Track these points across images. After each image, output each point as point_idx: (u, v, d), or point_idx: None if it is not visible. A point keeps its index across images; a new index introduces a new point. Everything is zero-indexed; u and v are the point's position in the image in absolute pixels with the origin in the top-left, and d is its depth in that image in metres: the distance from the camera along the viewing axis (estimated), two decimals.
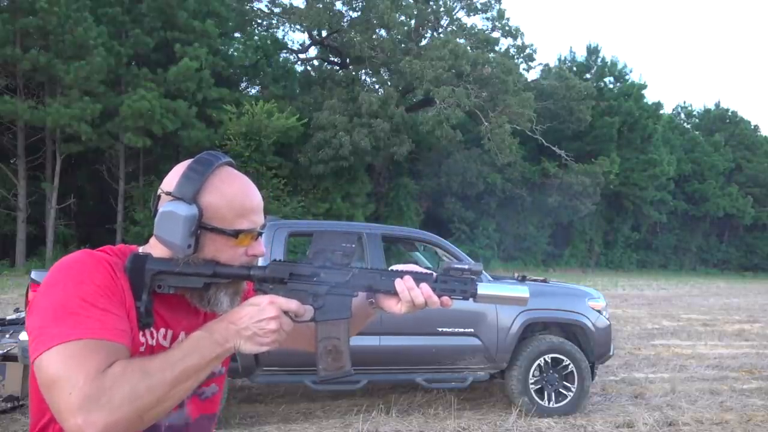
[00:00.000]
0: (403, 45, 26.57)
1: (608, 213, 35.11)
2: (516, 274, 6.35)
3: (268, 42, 27.20)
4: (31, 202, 20.48)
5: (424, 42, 27.75)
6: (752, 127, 43.11)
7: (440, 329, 5.12)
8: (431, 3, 28.22)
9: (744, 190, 38.97)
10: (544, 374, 5.31)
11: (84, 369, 0.94)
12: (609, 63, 35.33)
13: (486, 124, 25.09)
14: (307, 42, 29.98)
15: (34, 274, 4.46)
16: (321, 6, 26.57)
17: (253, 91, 27.50)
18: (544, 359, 5.30)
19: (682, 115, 44.66)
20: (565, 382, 5.32)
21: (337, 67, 29.68)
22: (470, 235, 30.33)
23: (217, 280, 1.13)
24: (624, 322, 11.78)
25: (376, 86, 28.14)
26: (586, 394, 5.41)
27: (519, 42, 28.87)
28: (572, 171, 29.35)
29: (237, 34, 26.72)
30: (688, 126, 43.75)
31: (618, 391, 6.29)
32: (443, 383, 5.31)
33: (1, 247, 20.99)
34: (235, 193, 1.14)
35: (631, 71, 41.35)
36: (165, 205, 1.09)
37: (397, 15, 25.90)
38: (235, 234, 1.13)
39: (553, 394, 5.30)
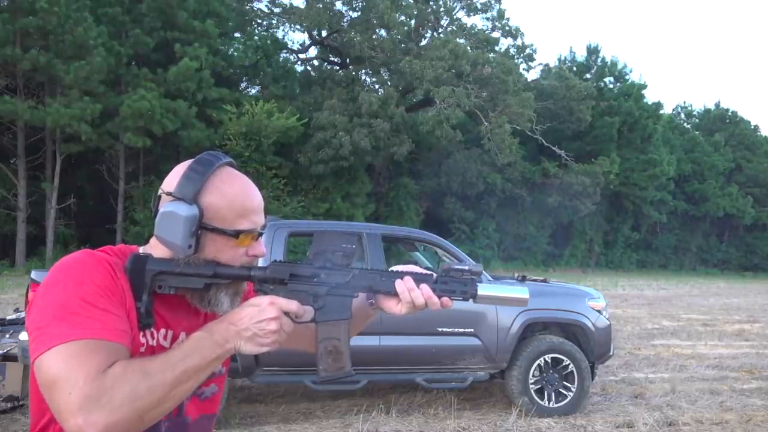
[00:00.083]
0: (403, 45, 26.57)
1: (608, 213, 35.11)
2: (516, 274, 6.35)
3: (268, 42, 27.21)
4: (31, 202, 20.48)
5: (424, 42, 27.76)
6: (752, 127, 43.12)
7: (440, 329, 5.12)
8: (431, 3, 28.22)
9: (744, 190, 38.98)
10: (544, 374, 5.31)
11: (84, 369, 0.94)
12: (609, 63, 35.34)
13: (486, 124, 25.09)
14: (307, 42, 30.01)
15: (34, 274, 4.46)
16: (321, 6, 26.57)
17: (253, 91, 27.52)
18: (544, 359, 5.30)
19: (682, 115, 44.68)
20: (565, 382, 5.32)
21: (337, 67, 29.69)
22: (470, 235, 30.34)
23: (218, 280, 1.13)
24: (624, 322, 11.78)
25: (376, 86, 28.15)
26: (586, 394, 5.41)
27: (519, 42, 28.90)
28: (572, 171, 29.35)
29: (237, 34, 26.73)
30: (688, 126, 43.76)
31: (618, 391, 6.29)
32: (443, 383, 5.31)
33: (1, 247, 21.00)
34: (235, 193, 1.14)
35: (631, 71, 41.43)
36: (166, 206, 1.09)
37: (397, 15, 25.90)
38: (236, 234, 1.13)
39: (553, 394, 5.30)
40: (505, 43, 28.84)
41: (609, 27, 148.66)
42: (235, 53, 25.10)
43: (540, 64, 31.20)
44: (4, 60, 18.49)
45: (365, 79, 28.62)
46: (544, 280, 6.23)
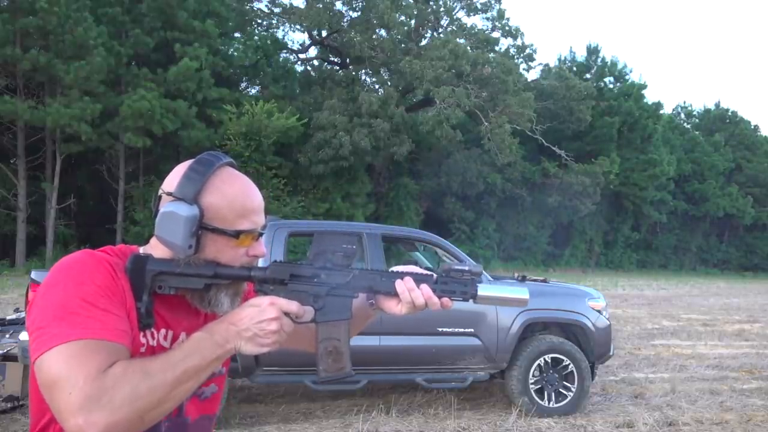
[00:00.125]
0: (403, 45, 26.58)
1: (608, 213, 35.11)
2: (516, 274, 6.35)
3: (268, 42, 27.21)
4: (31, 202, 20.48)
5: (424, 42, 27.76)
6: (752, 127, 43.13)
7: (440, 329, 5.12)
8: (431, 3, 28.23)
9: (744, 190, 38.99)
10: (544, 374, 5.31)
11: (85, 369, 0.93)
12: (609, 63, 35.34)
13: (486, 124, 25.09)
14: (307, 42, 30.01)
15: (34, 274, 4.46)
16: (321, 6, 26.57)
17: (253, 91, 27.52)
18: (544, 359, 5.30)
19: (682, 115, 44.68)
20: (565, 382, 5.33)
21: (337, 67, 29.69)
22: (470, 235, 30.34)
23: (218, 281, 1.13)
24: (624, 322, 11.78)
25: (376, 86, 28.16)
26: (586, 394, 5.41)
27: (519, 42, 28.91)
28: (572, 171, 29.35)
29: (237, 34, 26.73)
30: (688, 126, 43.77)
31: (618, 391, 6.29)
32: (443, 383, 5.31)
33: (1, 247, 21.00)
34: (236, 193, 1.14)
35: (631, 71, 41.42)
36: (166, 206, 1.09)
37: (397, 15, 25.91)
38: (236, 234, 1.13)
39: (553, 394, 5.30)
40: (505, 43, 28.91)
41: (609, 27, 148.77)
42: (235, 53, 25.10)
43: (540, 64, 31.28)
44: (4, 60, 18.50)
45: (365, 79, 28.63)
46: (544, 280, 6.23)
